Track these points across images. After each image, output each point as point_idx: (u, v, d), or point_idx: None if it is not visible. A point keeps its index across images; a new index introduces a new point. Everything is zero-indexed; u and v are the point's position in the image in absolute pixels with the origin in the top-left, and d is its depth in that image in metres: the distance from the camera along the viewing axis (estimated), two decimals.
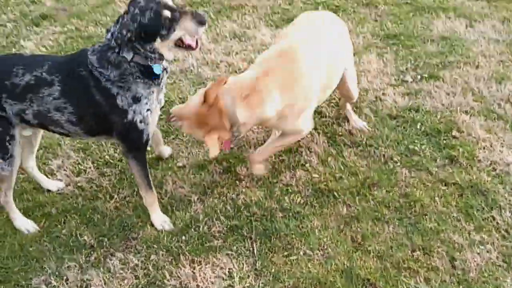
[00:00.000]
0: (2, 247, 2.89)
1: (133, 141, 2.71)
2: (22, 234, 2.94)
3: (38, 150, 3.54)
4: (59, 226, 3.00)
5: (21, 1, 5.96)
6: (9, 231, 2.99)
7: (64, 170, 3.38)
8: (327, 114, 3.72)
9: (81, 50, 2.70)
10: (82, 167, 3.39)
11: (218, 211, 3.02)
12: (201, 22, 2.46)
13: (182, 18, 2.45)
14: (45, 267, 2.75)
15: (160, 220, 2.95)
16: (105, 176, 3.31)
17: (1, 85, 2.56)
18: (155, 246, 2.83)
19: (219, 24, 5.12)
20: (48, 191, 3.23)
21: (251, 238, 2.84)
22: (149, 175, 2.87)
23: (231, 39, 4.85)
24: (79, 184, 3.27)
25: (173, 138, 3.63)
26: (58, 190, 3.25)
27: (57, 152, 3.54)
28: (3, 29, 5.33)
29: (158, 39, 2.47)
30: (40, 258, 2.80)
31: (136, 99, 2.58)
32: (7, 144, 2.68)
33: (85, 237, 2.89)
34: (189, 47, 2.59)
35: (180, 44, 2.57)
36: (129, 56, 2.48)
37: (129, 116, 2.59)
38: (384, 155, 3.32)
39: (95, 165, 3.39)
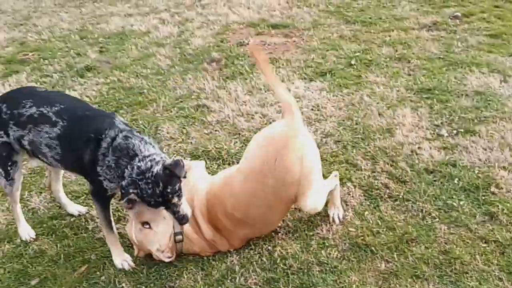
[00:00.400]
0: None
1: (99, 191, 2.92)
2: (62, 280, 3.00)
3: (79, 197, 3.69)
4: (98, 272, 3.04)
5: (67, 54, 6.32)
6: (49, 275, 3.05)
7: None
8: (363, 167, 3.73)
9: (109, 115, 2.93)
10: (121, 214, 3.47)
11: (254, 263, 3.02)
12: (180, 222, 2.80)
13: (169, 213, 2.76)
14: None
15: (120, 259, 3.07)
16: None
17: None
18: None
19: (254, 77, 5.29)
20: (89, 236, 3.31)
21: None
22: (111, 217, 3.01)
23: (265, 91, 4.99)
24: (118, 231, 3.32)
25: None
26: (80, 214, 3.51)
27: None
28: (50, 79, 5.63)
29: None
30: None
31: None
32: (9, 168, 3.07)
33: (123, 284, 2.92)
34: None
35: None
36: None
37: (103, 183, 2.82)
38: (422, 210, 3.29)
39: None
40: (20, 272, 3.11)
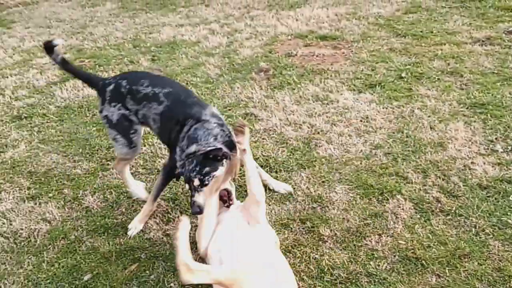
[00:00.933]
0: (95, 287, 3.04)
1: (171, 167, 3.22)
2: (114, 277, 3.09)
3: (129, 197, 3.80)
4: (147, 271, 3.12)
5: (121, 61, 6.56)
6: (101, 271, 3.15)
7: (154, 217, 3.55)
8: (413, 180, 3.67)
9: (203, 106, 3.21)
10: (171, 216, 3.55)
11: (301, 271, 3.01)
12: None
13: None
14: None
15: (135, 224, 3.46)
16: (192, 227, 3.42)
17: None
18: None
19: (302, 87, 5.31)
20: (139, 236, 3.40)
21: None
22: (161, 192, 3.43)
23: (313, 102, 5.00)
24: (167, 232, 3.41)
25: None
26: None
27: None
28: None
29: None
30: None
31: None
32: (131, 136, 3.41)
33: (172, 284, 2.98)
34: None
35: None
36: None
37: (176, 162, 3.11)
38: (475, 226, 3.20)
39: (183, 215, 3.53)
40: (73, 267, 3.23)
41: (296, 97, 5.14)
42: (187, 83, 5.70)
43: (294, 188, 3.72)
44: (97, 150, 4.51)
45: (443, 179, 3.64)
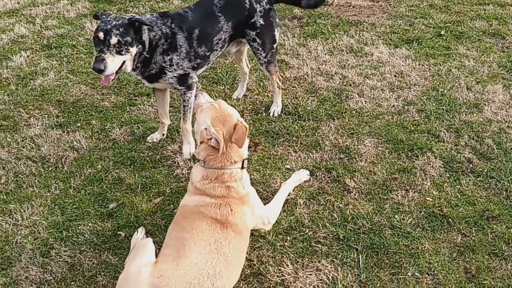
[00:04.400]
0: (120, 216, 3.10)
1: None
2: (138, 207, 3.13)
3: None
4: (171, 205, 3.15)
5: None
6: (127, 203, 3.19)
7: (181, 154, 3.56)
8: (445, 139, 3.59)
9: None
10: None
11: (324, 218, 3.01)
12: None
13: None
14: (156, 240, 2.88)
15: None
16: None
17: None
18: (260, 240, 2.88)
19: (336, 38, 5.15)
20: (166, 171, 3.41)
21: (357, 250, 2.80)
22: None
23: (347, 53, 4.85)
24: None
25: (283, 141, 3.69)
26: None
27: (175, 138, 3.74)
28: None
29: None
30: (153, 232, 2.96)
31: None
32: None
33: None
34: None
35: None
36: None
37: None
38: (506, 189, 3.14)
39: None
40: (99, 195, 3.28)
41: (330, 47, 4.99)
42: None
43: (322, 138, 3.68)
44: (126, 85, 4.48)
45: (476, 141, 3.55)
